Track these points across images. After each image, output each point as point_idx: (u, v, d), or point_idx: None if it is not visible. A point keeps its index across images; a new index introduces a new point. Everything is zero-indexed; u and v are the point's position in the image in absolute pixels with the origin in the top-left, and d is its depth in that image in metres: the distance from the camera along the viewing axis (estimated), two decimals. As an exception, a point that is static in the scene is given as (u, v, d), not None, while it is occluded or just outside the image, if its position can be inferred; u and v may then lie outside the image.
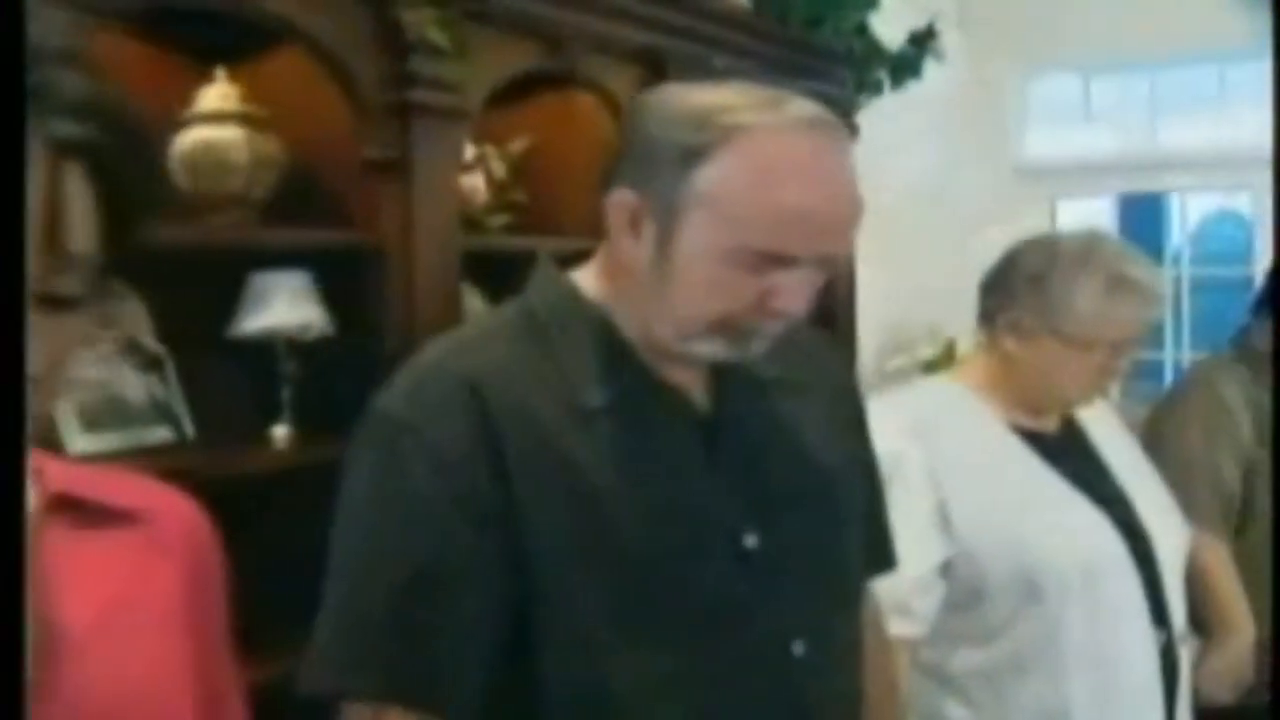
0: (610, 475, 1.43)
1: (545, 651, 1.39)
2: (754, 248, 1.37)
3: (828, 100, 3.60)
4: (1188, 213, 6.22)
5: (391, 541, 1.39)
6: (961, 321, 4.66)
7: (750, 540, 1.49)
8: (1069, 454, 2.28)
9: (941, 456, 2.14)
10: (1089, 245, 2.19)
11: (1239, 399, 2.97)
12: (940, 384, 2.36)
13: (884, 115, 5.01)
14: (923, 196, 5.47)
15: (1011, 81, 6.07)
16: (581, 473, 1.42)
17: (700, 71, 3.03)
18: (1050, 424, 2.31)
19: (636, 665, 1.40)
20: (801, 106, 1.40)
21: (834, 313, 3.67)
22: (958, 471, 2.14)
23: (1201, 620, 2.87)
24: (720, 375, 1.55)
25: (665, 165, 1.40)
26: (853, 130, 3.70)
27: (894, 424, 2.15)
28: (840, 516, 1.63)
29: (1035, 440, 2.25)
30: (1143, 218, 6.44)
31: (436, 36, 2.24)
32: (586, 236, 1.65)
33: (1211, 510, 2.92)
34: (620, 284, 1.50)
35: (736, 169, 1.36)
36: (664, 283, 1.43)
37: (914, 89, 5.32)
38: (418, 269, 2.31)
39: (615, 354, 1.49)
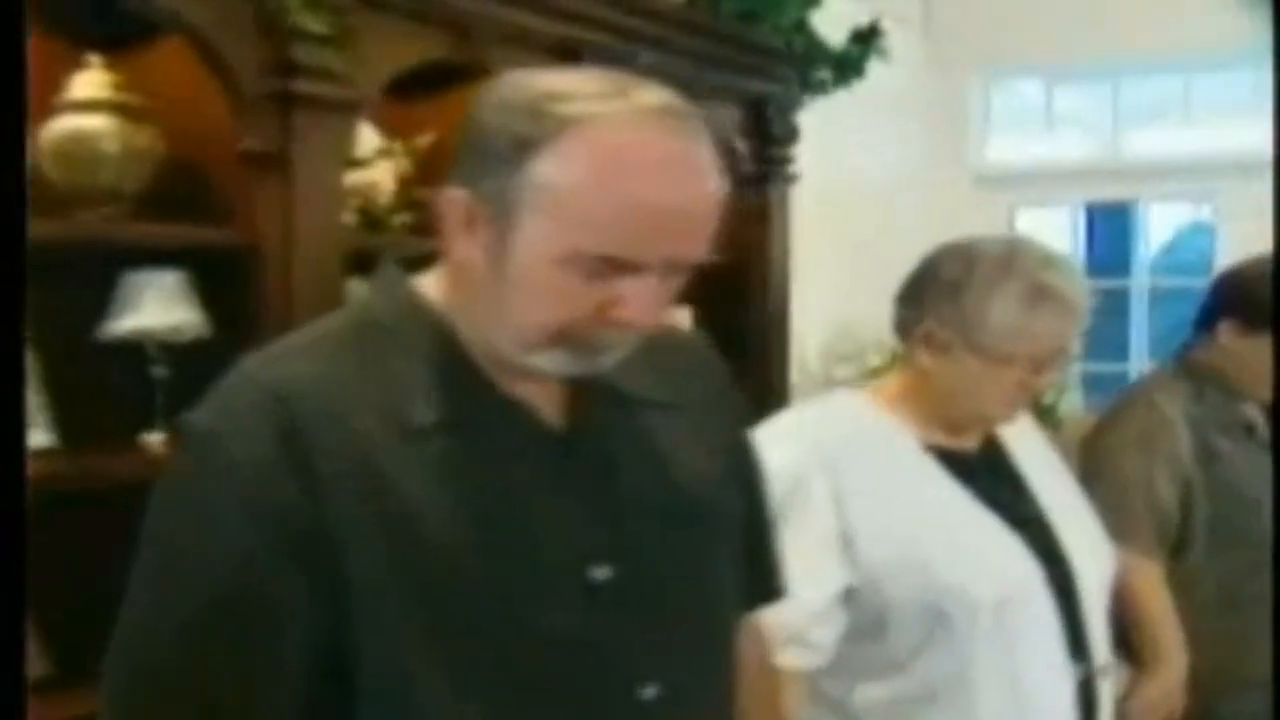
0: (439, 500, 1.29)
1: (363, 700, 1.26)
2: (591, 251, 1.23)
3: (768, 99, 3.60)
4: (1155, 223, 6.13)
5: (184, 569, 1.24)
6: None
7: (600, 572, 1.35)
8: (987, 475, 2.15)
9: (845, 477, 2.02)
10: (1008, 253, 2.07)
11: (1180, 417, 2.84)
12: (850, 399, 2.22)
13: (841, 118, 4.90)
14: (879, 202, 5.36)
15: (973, 87, 5.97)
16: (405, 496, 1.27)
17: (621, 67, 2.89)
18: (969, 443, 2.18)
19: (465, 715, 1.27)
20: (650, 94, 1.26)
21: (764, 321, 3.52)
22: (862, 493, 2.02)
23: (1133, 648, 2.76)
24: (577, 391, 1.41)
25: (498, 159, 1.26)
26: (793, 132, 3.57)
27: (796, 442, 2.04)
28: (710, 545, 1.50)
29: (951, 460, 2.12)
30: (1111, 227, 6.36)
31: (311, 23, 2.11)
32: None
33: (1147, 532, 2.79)
34: (462, 290, 1.36)
35: (572, 163, 1.22)
36: (500, 289, 1.29)
37: (872, 92, 5.19)
38: (297, 269, 2.17)
39: (454, 366, 1.35)
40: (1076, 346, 2.14)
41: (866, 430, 2.12)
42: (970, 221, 5.67)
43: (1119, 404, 3.05)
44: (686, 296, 3.40)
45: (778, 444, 2.00)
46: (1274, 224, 3.23)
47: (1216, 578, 2.82)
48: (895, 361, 4.62)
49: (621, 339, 1.32)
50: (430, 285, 1.41)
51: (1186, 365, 2.98)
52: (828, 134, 4.92)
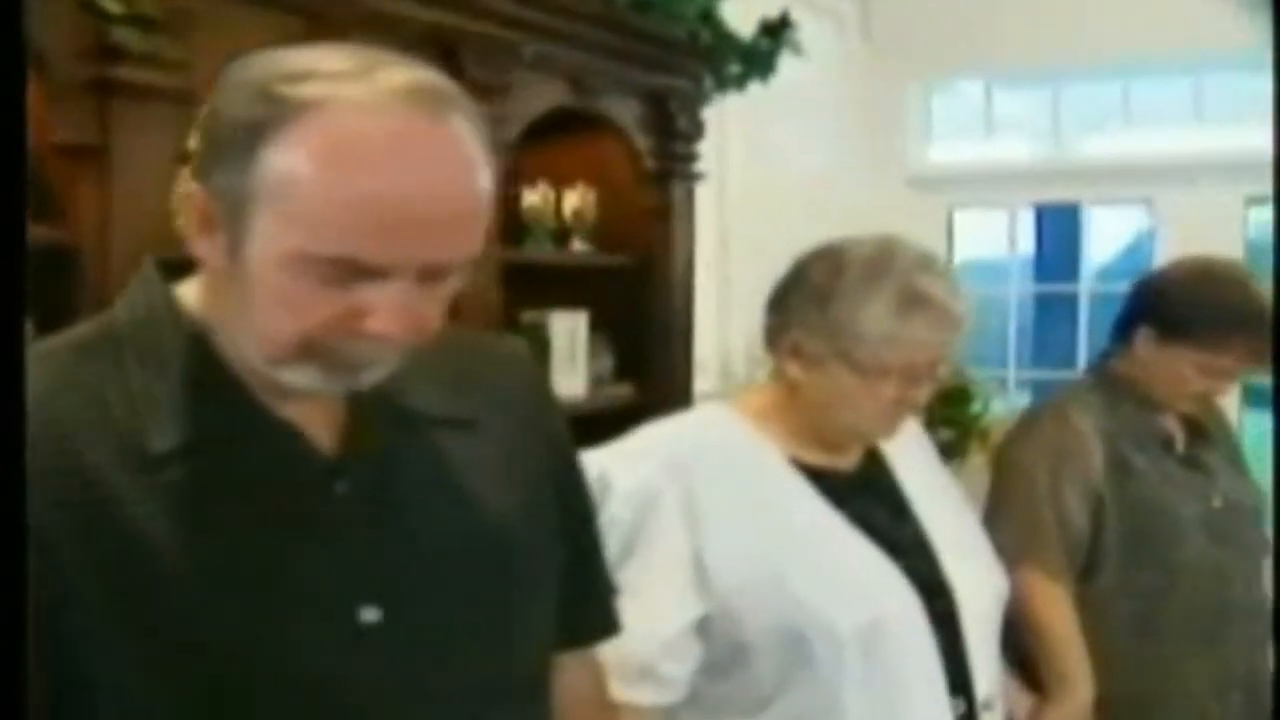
0: (175, 534, 1.12)
1: None
2: (319, 253, 1.06)
3: (671, 94, 3.44)
4: (1110, 228, 6.01)
5: None
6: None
7: (369, 615, 1.19)
8: (863, 495, 2.01)
9: (701, 496, 1.86)
10: (879, 255, 1.92)
11: (1092, 430, 2.69)
12: (713, 413, 2.06)
13: (772, 118, 4.77)
14: (811, 203, 5.20)
15: (911, 89, 5.83)
16: (133, 531, 1.11)
17: (505, 59, 2.73)
18: (846, 460, 2.03)
19: None
20: (401, 73, 1.09)
21: (666, 324, 3.36)
22: (719, 514, 1.86)
23: (1037, 675, 2.61)
24: (356, 411, 1.25)
25: (231, 149, 1.09)
26: (699, 128, 3.41)
27: (648, 458, 1.89)
28: (511, 579, 1.33)
29: (822, 479, 1.97)
30: (1060, 231, 6.23)
31: (135, 5, 1.93)
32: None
33: (1055, 551, 2.64)
34: (215, 297, 1.20)
35: (303, 153, 1.05)
36: (241, 296, 1.13)
37: (807, 92, 5.07)
38: (116, 270, 1.99)
39: (208, 382, 1.19)
40: (953, 355, 1.98)
41: (727, 446, 1.96)
42: (904, 223, 5.49)
43: (1029, 416, 2.90)
44: (582, 299, 3.37)
45: (628, 461, 1.88)
46: (1274, 222, 3.08)
47: (1130, 600, 2.67)
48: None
49: (378, 354, 1.15)
50: (191, 291, 1.24)
51: (1102, 376, 2.83)
52: (757, 133, 4.80)
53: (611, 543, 1.75)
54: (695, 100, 3.35)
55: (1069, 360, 5.54)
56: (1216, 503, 2.72)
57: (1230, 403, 4.83)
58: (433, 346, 1.20)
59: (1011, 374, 5.66)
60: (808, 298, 1.94)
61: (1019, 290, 6.79)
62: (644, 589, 1.78)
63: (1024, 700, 2.56)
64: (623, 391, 3.29)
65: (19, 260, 0.79)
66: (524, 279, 3.23)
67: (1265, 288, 2.65)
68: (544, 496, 1.41)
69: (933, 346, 1.90)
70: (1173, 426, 2.78)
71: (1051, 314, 7.53)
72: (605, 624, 1.56)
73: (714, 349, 4.61)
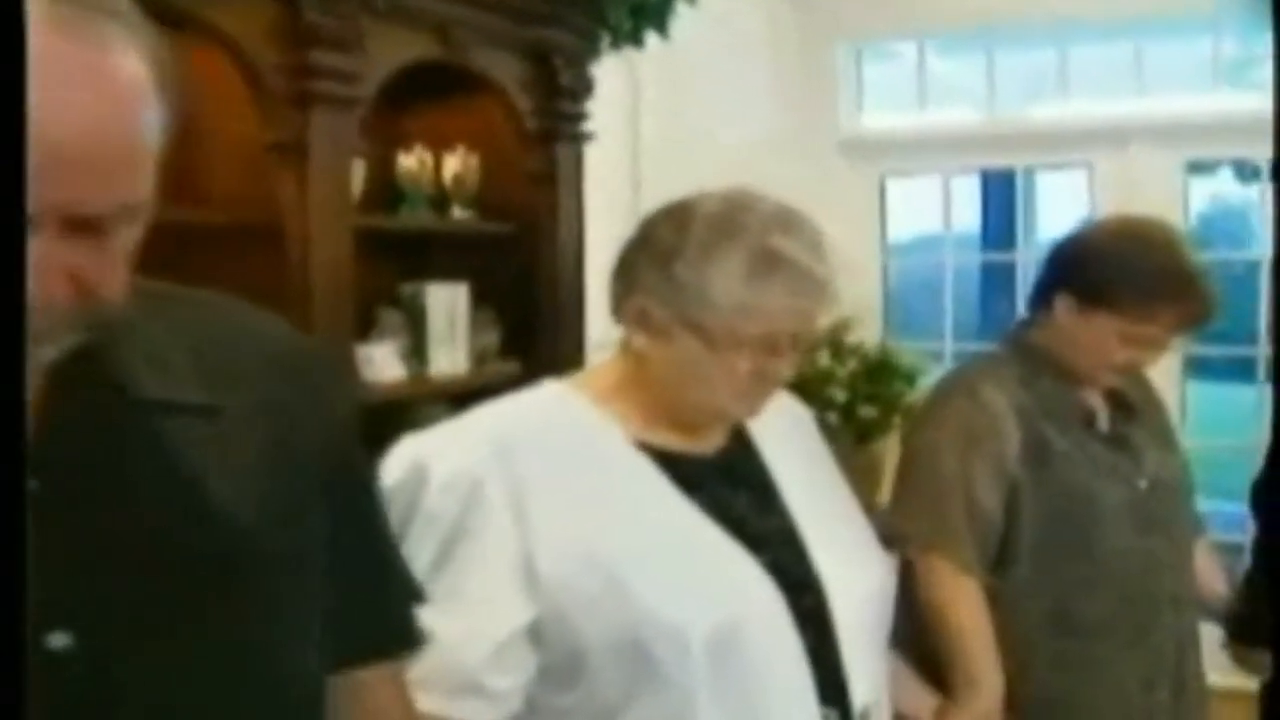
0: None
1: None
2: None
3: (554, 49, 3.18)
4: (1056, 195, 5.82)
5: None
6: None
7: (58, 640, 0.97)
8: (722, 483, 1.78)
9: (531, 486, 1.62)
10: (730, 212, 1.68)
11: (1007, 408, 2.45)
12: (551, 392, 1.81)
13: (691, 83, 4.53)
14: (736, 173, 4.93)
15: (840, 51, 5.59)
16: None
17: (352, 6, 2.47)
18: (704, 444, 1.80)
19: None
20: None
21: (554, 295, 3.11)
22: (551, 506, 1.62)
23: (943, 675, 2.38)
24: (55, 396, 1.01)
25: None
26: (586, 85, 3.15)
27: (472, 444, 1.64)
28: (251, 592, 1.10)
29: (673, 465, 1.73)
30: (1007, 200, 6.02)
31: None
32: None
33: (965, 543, 2.41)
34: None
35: None
36: None
37: (732, 55, 4.83)
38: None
39: None
40: (821, 323, 1.74)
41: (564, 428, 1.72)
42: (836, 191, 5.39)
43: (938, 393, 2.66)
44: (464, 270, 3.12)
45: (448, 447, 1.65)
46: (1274, 220, 2.86)
47: (1049, 595, 2.44)
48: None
49: (40, 321, 0.90)
50: None
51: (1019, 347, 2.59)
52: (674, 98, 4.54)
53: (429, 540, 1.59)
54: (581, 56, 3.09)
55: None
56: (1143, 485, 2.49)
57: (1168, 374, 4.67)
58: (175, 319, 1.09)
59: (949, 347, 5.43)
60: (652, 259, 1.70)
61: (962, 260, 6.61)
62: (467, 592, 1.57)
63: (928, 701, 2.33)
64: (509, 368, 3.04)
65: (19, 260, 0.73)
66: (401, 249, 2.99)
67: (1193, 250, 2.44)
68: (307, 496, 1.17)
69: (791, 314, 1.66)
70: (1096, 402, 2.55)
71: (997, 285, 7.31)
72: (404, 636, 1.35)
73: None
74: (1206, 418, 5.82)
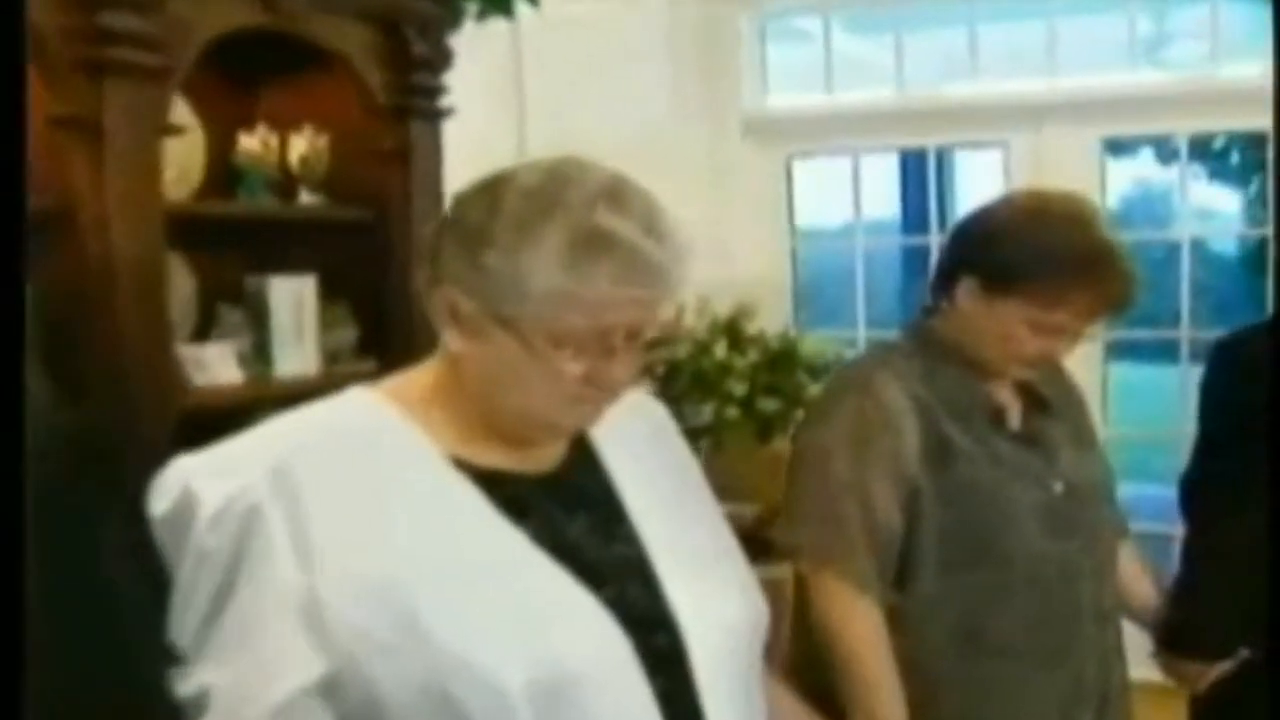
0: None
1: None
2: None
3: (405, 16, 2.84)
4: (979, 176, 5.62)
5: None
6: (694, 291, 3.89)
7: None
8: (556, 505, 1.51)
9: (316, 514, 1.35)
10: (548, 185, 1.41)
11: (906, 404, 2.19)
12: (357, 401, 1.52)
13: (584, 62, 4.28)
14: (633, 156, 4.65)
15: (743, 27, 5.31)
16: None
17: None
18: (535, 459, 1.53)
19: None
20: None
21: (408, 283, 2.81)
22: (341, 539, 1.35)
23: (839, 707, 2.12)
24: None
25: None
26: (444, 56, 2.86)
27: (247, 467, 1.36)
28: None
29: (496, 485, 1.47)
30: (923, 181, 5.79)
31: None
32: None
33: (861, 556, 2.15)
34: None
35: None
36: None
37: (627, 32, 4.54)
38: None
39: None
40: (665, 316, 1.47)
41: (364, 444, 1.45)
42: (739, 173, 5.15)
43: (829, 388, 2.40)
44: (313, 261, 2.81)
45: (221, 471, 1.38)
46: (1274, 216, 2.64)
47: (956, 611, 2.19)
48: (684, 330, 3.94)
49: None
50: None
51: (920, 337, 2.34)
52: (565, 77, 4.28)
53: (202, 582, 1.36)
54: (437, 24, 2.79)
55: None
56: (1058, 487, 2.25)
57: (1089, 357, 4.47)
58: None
59: (862, 335, 5.19)
60: (460, 244, 1.42)
61: (883, 245, 6.39)
62: (246, 641, 1.32)
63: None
64: (365, 369, 2.73)
65: (19, 261, 0.79)
66: (242, 239, 2.69)
67: (1109, 228, 2.20)
68: None
69: (622, 305, 1.38)
70: (1006, 397, 2.31)
71: (917, 270, 7.07)
72: None
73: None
74: (1130, 401, 5.68)
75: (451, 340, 1.44)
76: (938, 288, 2.31)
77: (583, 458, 1.56)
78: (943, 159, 6.07)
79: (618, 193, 1.39)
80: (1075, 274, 2.11)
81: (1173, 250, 4.88)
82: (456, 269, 1.40)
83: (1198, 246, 5.01)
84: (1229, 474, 2.54)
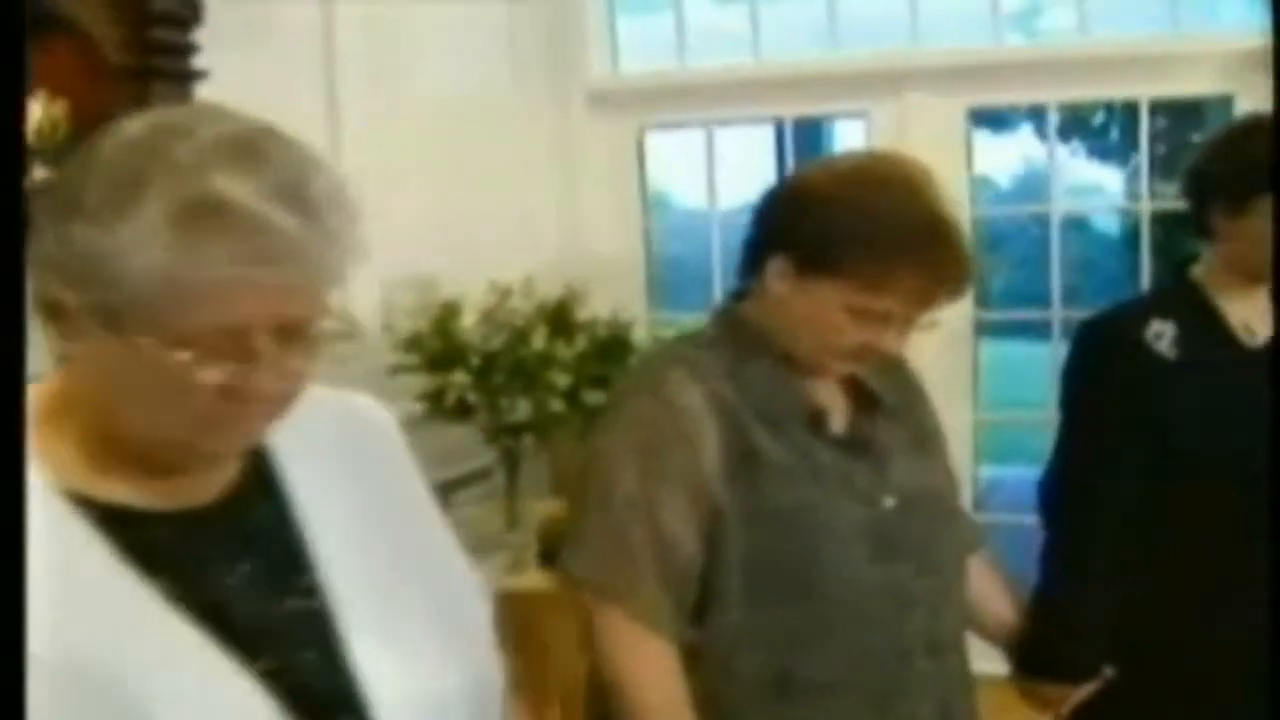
0: None
1: None
2: None
3: None
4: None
5: None
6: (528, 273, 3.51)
7: None
8: (208, 550, 1.18)
9: None
10: (156, 139, 1.06)
11: (702, 406, 1.87)
12: None
13: (412, 27, 4.01)
14: (472, 129, 4.34)
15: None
16: None
17: None
18: (190, 490, 1.20)
19: None
20: None
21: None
22: None
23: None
24: None
25: None
26: (193, 9, 2.49)
27: None
28: None
29: (126, 527, 1.13)
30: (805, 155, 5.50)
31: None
32: None
33: (650, 587, 1.85)
34: None
35: None
36: None
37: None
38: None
39: None
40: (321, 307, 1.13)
41: None
42: (585, 147, 4.82)
43: (620, 388, 2.07)
44: None
45: None
46: (1273, 210, 2.36)
47: (765, 648, 1.88)
48: (502, 317, 3.57)
49: None
50: None
51: (729, 325, 2.02)
52: (389, 44, 3.95)
53: None
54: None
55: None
56: (888, 502, 1.94)
57: (958, 336, 4.21)
58: None
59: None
60: (52, 214, 1.07)
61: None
62: None
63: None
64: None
65: (19, 261, 0.77)
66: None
67: (944, 199, 1.89)
68: None
69: (254, 294, 1.05)
70: (828, 396, 2.00)
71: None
72: None
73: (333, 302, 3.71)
74: (1004, 381, 5.49)
75: (52, 342, 1.09)
76: (746, 267, 1.99)
77: (257, 485, 1.23)
78: (821, 130, 5.78)
79: (247, 147, 1.05)
80: (902, 252, 1.80)
81: (1044, 226, 4.67)
82: (48, 249, 1.05)
83: (1079, 224, 4.77)
84: (1089, 472, 2.28)
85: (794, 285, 1.87)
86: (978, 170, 4.88)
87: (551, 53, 4.84)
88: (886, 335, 1.88)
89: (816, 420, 1.94)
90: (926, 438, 2.10)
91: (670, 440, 1.85)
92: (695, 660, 1.86)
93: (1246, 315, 2.42)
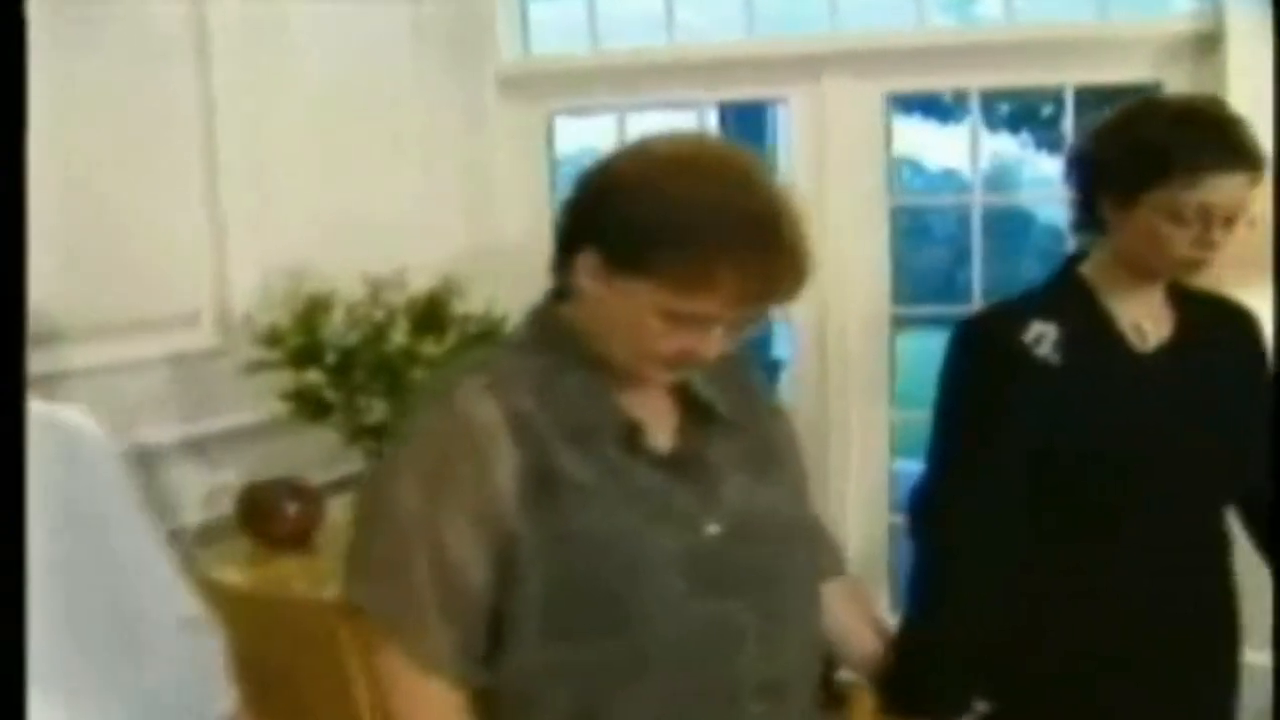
0: None
1: None
2: None
3: None
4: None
5: None
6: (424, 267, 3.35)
7: None
8: None
9: None
10: None
11: (498, 422, 1.65)
12: None
13: (309, 10, 3.85)
14: (371, 113, 4.12)
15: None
16: None
17: None
18: None
19: None
20: None
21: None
22: None
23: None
24: None
25: None
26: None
27: None
28: None
29: None
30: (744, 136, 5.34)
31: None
32: None
33: (434, 625, 1.64)
34: None
35: None
36: None
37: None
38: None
39: None
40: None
41: None
42: (493, 134, 4.64)
43: (415, 400, 1.86)
44: None
45: None
46: (1274, 207, 2.50)
47: (567, 690, 1.67)
48: (361, 311, 3.36)
49: None
50: None
51: (541, 328, 1.81)
52: (273, 22, 3.72)
53: None
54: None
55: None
56: (713, 528, 1.72)
57: (873, 330, 4.02)
58: None
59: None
60: None
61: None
62: None
63: None
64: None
65: (18, 263, 0.79)
66: None
67: (779, 190, 1.67)
68: None
69: None
70: (652, 409, 1.78)
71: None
72: None
73: (211, 295, 3.51)
74: (922, 374, 5.24)
75: None
76: (559, 262, 1.77)
77: None
78: (766, 113, 5.63)
79: None
80: (720, 250, 1.58)
81: (1019, 219, 4.49)
82: None
83: (1026, 216, 4.60)
84: (960, 488, 2.09)
85: (604, 284, 1.66)
86: (941, 162, 4.71)
87: (459, 35, 4.62)
88: (709, 339, 1.66)
89: (633, 436, 1.72)
90: (771, 453, 1.88)
91: (459, 457, 1.64)
92: (490, 703, 1.66)
93: (1138, 317, 2.24)
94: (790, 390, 4.46)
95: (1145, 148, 2.10)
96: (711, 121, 4.87)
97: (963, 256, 4.51)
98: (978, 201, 4.43)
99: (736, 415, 1.84)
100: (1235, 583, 2.35)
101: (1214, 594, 2.32)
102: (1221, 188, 2.07)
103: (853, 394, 4.34)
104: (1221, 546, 2.32)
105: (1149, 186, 2.09)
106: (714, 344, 1.67)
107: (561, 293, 1.79)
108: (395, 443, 1.74)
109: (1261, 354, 2.37)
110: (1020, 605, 2.13)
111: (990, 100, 4.74)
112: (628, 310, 1.64)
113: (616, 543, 1.65)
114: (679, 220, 1.58)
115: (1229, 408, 2.24)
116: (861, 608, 2.07)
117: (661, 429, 1.77)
